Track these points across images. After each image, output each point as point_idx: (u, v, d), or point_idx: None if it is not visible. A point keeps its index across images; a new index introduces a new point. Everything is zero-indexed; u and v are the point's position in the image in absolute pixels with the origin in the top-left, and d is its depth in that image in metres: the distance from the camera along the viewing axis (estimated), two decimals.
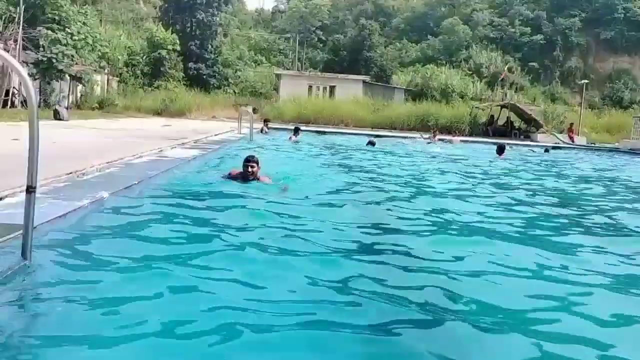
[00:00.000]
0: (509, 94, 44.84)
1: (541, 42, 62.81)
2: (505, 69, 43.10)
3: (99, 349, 2.60)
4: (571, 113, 38.34)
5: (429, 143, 22.92)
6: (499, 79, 39.02)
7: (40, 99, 24.41)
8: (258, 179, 7.67)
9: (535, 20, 64.30)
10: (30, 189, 3.24)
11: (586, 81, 38.59)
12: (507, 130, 31.74)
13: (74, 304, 3.05)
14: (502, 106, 33.59)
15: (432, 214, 6.69)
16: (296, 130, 19.64)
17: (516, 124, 32.96)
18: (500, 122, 32.94)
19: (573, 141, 29.95)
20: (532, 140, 29.06)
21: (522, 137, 31.11)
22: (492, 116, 33.07)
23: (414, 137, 25.60)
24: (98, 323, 2.85)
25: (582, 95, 38.69)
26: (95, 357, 2.51)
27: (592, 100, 53.64)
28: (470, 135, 30.43)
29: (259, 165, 7.72)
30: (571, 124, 32.75)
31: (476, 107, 34.28)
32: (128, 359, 2.52)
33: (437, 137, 24.62)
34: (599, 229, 6.67)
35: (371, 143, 18.97)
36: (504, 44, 62.90)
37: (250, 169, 7.56)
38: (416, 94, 41.37)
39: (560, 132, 31.88)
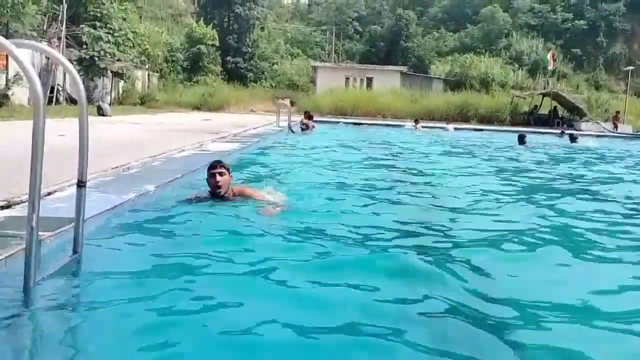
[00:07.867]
0: (551, 82, 43.80)
1: (584, 28, 60.83)
2: (552, 50, 42.02)
3: (151, 338, 2.62)
4: (616, 101, 37.26)
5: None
6: (548, 57, 37.87)
7: None
8: (234, 194, 5.46)
9: (578, 6, 62.33)
10: (80, 184, 3.30)
11: (631, 67, 37.46)
12: (549, 119, 31.07)
13: (125, 295, 3.10)
14: (545, 94, 32.88)
15: None
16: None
17: (560, 113, 32.24)
18: (543, 111, 32.26)
19: (617, 129, 29.15)
20: (575, 129, 28.38)
21: (565, 125, 30.43)
22: (536, 105, 32.42)
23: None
24: (149, 315, 2.89)
25: (628, 82, 37.52)
26: (148, 349, 2.54)
27: (637, 87, 51.89)
28: (512, 124, 29.89)
29: (230, 173, 5.46)
30: (617, 112, 31.83)
31: (517, 96, 33.65)
32: (183, 351, 2.55)
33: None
34: None
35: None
36: (545, 30, 61.18)
37: (217, 178, 5.26)
38: (455, 84, 40.70)
39: (605, 121, 31.03)
